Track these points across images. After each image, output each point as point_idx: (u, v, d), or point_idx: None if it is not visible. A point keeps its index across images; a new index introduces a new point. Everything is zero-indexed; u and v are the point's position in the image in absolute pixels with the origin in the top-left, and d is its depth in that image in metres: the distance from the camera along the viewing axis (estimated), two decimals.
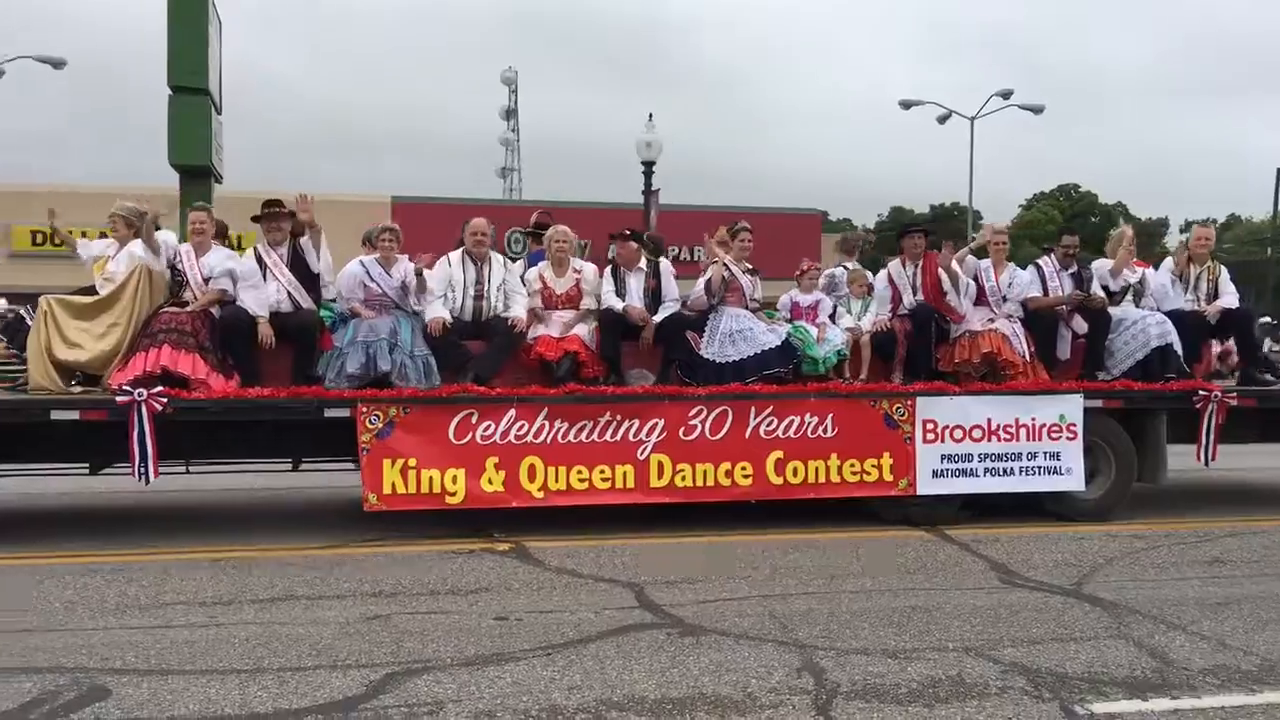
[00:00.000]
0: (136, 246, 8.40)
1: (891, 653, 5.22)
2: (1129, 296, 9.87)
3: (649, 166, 21.98)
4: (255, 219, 8.75)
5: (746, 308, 9.18)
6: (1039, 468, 8.83)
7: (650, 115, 22.23)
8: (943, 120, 35.16)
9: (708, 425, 8.35)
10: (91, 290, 8.38)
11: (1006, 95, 34.47)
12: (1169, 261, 10.23)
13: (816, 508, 8.62)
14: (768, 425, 8.42)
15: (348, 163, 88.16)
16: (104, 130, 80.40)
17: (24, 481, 8.88)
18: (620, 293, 8.98)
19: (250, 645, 5.26)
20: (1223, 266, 10.32)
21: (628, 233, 9.34)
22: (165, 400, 7.60)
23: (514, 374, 8.58)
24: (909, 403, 8.62)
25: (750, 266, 9.47)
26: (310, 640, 5.35)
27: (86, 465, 8.55)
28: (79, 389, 8.03)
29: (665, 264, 9.46)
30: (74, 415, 7.69)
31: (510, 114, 54.53)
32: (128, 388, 7.60)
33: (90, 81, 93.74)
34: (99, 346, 7.96)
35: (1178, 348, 9.35)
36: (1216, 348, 10.45)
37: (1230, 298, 10.00)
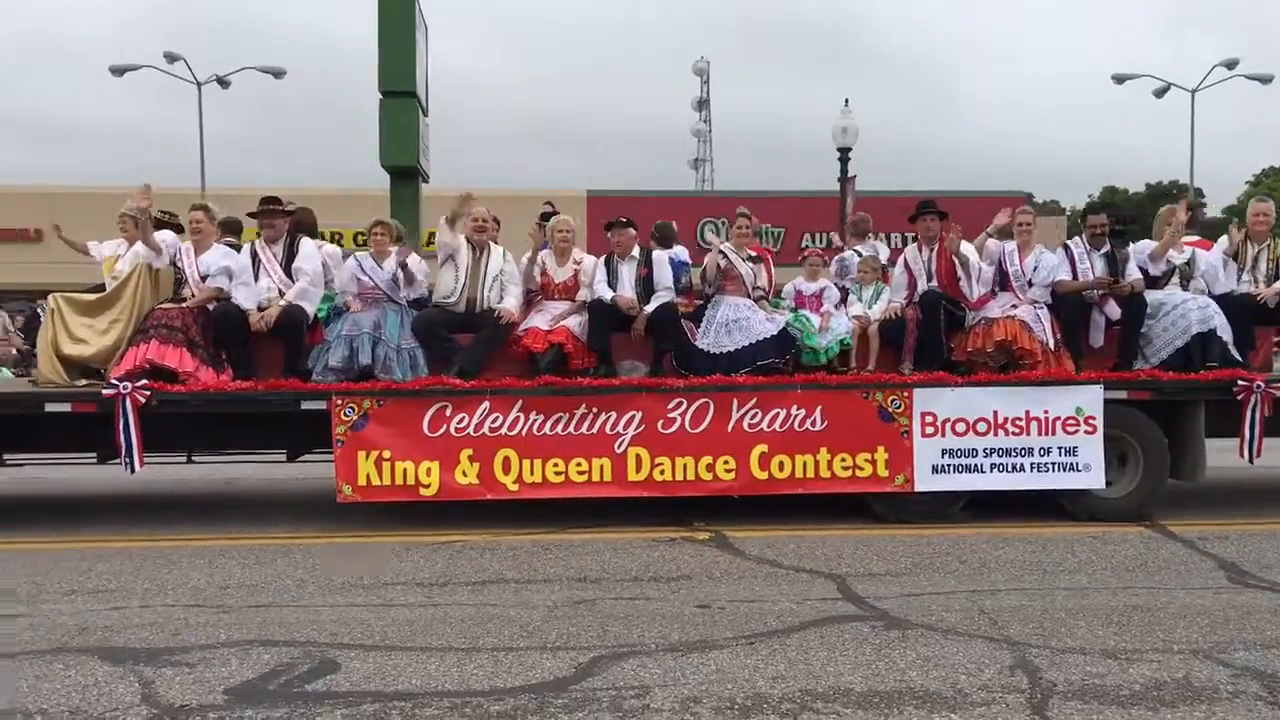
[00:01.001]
0: (142, 246, 8.76)
1: (1111, 653, 5.00)
2: (1175, 279, 9.11)
3: (845, 153, 21.64)
4: (251, 215, 9.07)
5: (750, 296, 8.98)
6: (1053, 464, 8.27)
7: (846, 101, 21.87)
8: (1160, 94, 33.20)
9: (688, 418, 8.18)
10: (102, 289, 8.80)
11: (1231, 65, 32.27)
12: (1223, 240, 9.36)
13: (1024, 503, 8.34)
14: (752, 418, 8.19)
15: (544, 158, 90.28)
16: (320, 134, 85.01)
17: (263, 468, 9.48)
18: (612, 283, 8.88)
19: (465, 625, 5.48)
20: None
21: (623, 220, 9.16)
22: (148, 393, 7.94)
23: (505, 367, 8.58)
24: (906, 394, 8.24)
25: (754, 254, 9.24)
26: (520, 622, 5.53)
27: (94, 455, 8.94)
28: (84, 383, 8.35)
29: (659, 253, 9.26)
30: (66, 407, 8.10)
31: (702, 105, 54.65)
32: (114, 381, 7.98)
33: (308, 89, 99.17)
34: (102, 341, 8.37)
35: (1224, 334, 8.59)
36: None
37: None
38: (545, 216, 9.87)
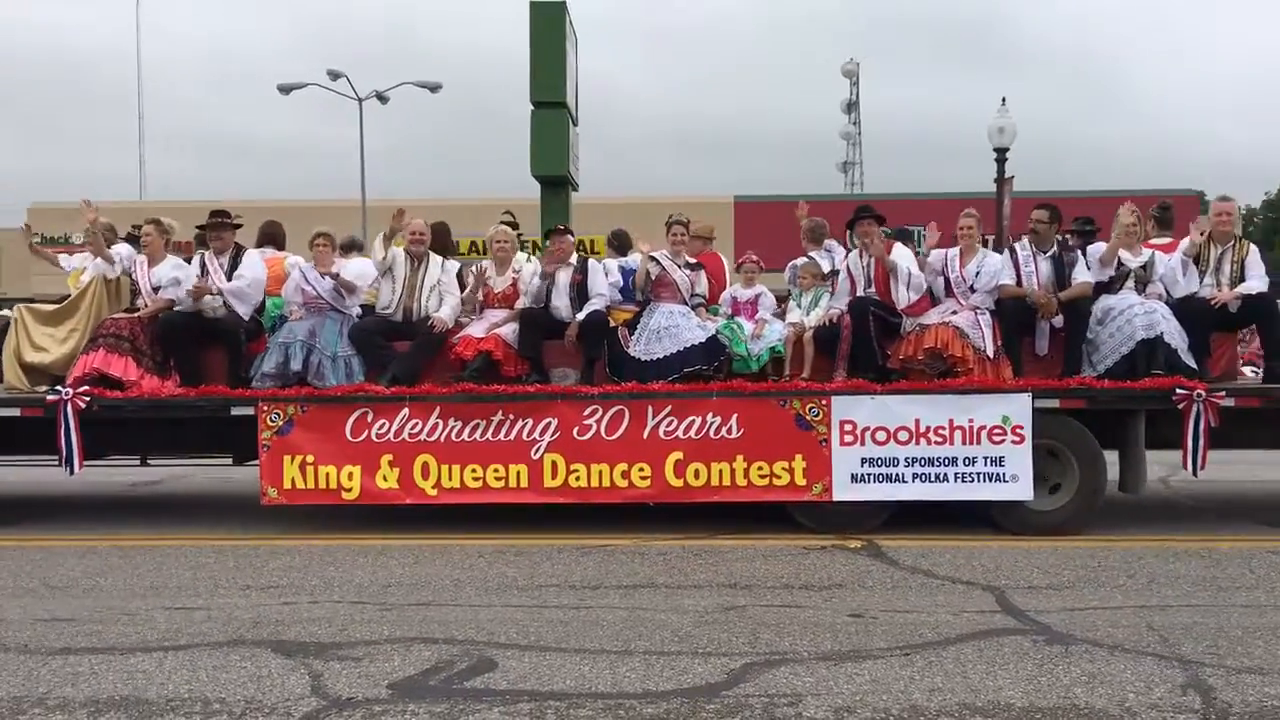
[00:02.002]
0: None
1: None
2: (1130, 283, 8.55)
3: (1001, 153, 21.06)
4: (200, 228, 9.35)
5: (687, 303, 8.86)
6: (979, 474, 7.92)
7: (1003, 99, 21.26)
8: None
9: (603, 425, 8.13)
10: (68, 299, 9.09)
11: None
12: (1185, 242, 8.66)
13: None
14: (667, 425, 8.09)
15: (690, 164, 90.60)
16: (473, 145, 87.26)
17: None
18: (549, 289, 8.92)
19: (618, 628, 5.54)
20: (1253, 246, 8.74)
21: (561, 228, 9.25)
22: (88, 399, 8.24)
23: (442, 374, 8.62)
24: (824, 402, 8.02)
25: (692, 261, 9.16)
26: (672, 627, 5.56)
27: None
28: (44, 389, 8.59)
29: (594, 261, 9.23)
30: (16, 412, 8.48)
31: (851, 107, 53.96)
32: (58, 388, 8.34)
33: (462, 102, 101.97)
34: (61, 350, 8.73)
35: (1173, 340, 8.09)
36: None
37: (1255, 282, 8.46)
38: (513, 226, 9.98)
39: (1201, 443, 7.85)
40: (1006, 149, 21.09)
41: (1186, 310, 8.37)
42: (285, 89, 30.80)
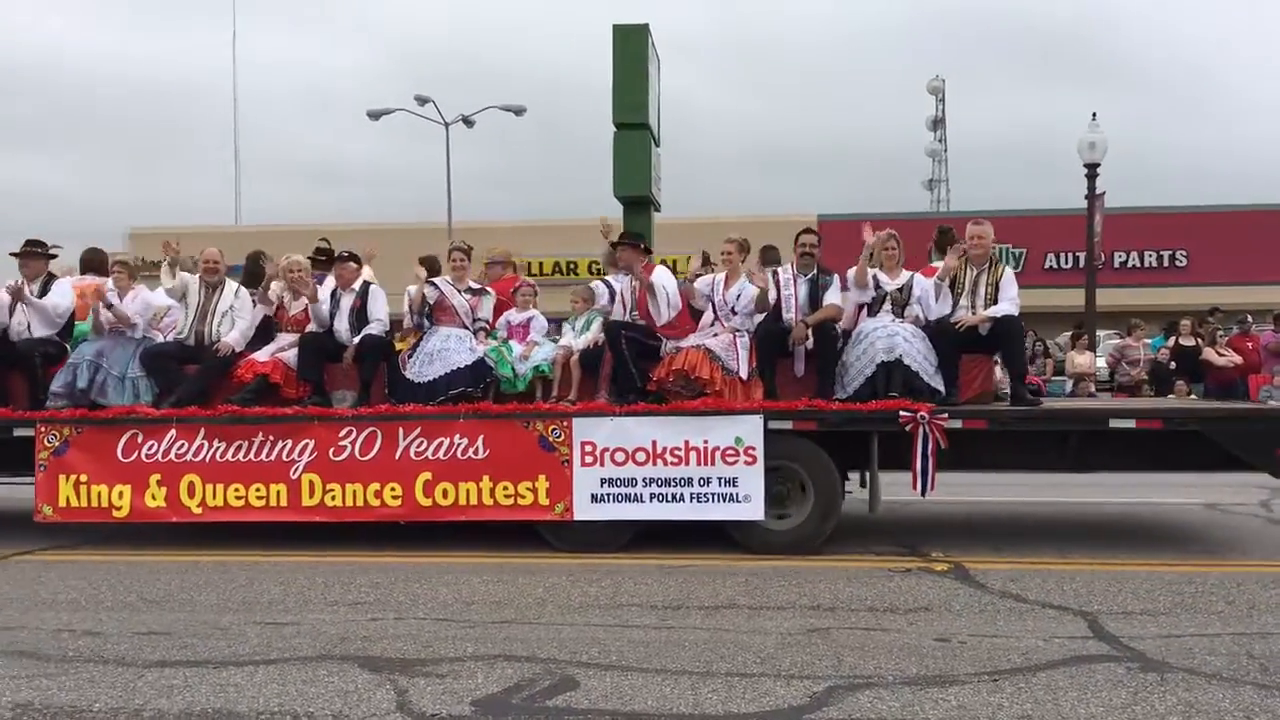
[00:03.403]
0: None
1: None
2: (887, 305, 8.69)
3: (1092, 169, 20.62)
4: (13, 255, 9.56)
5: (468, 328, 9.14)
6: (714, 494, 8.05)
7: (1094, 114, 20.83)
8: None
9: (357, 446, 8.36)
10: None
11: None
12: (943, 264, 8.79)
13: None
14: (418, 446, 8.31)
15: (772, 182, 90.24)
16: (556, 167, 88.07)
17: None
18: (333, 312, 9.17)
19: (699, 649, 5.51)
20: (1008, 269, 8.83)
21: (345, 254, 9.45)
22: None
23: (228, 396, 8.83)
24: (565, 424, 8.21)
25: (477, 286, 9.45)
26: (754, 649, 5.52)
27: None
28: None
29: (374, 287, 9.39)
30: None
31: (937, 124, 53.30)
32: None
33: (546, 124, 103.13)
34: None
35: (913, 362, 8.21)
36: None
37: (1005, 304, 8.51)
38: (320, 253, 9.99)
39: (930, 464, 7.93)
40: (1098, 164, 20.65)
41: (937, 333, 8.46)
42: (375, 114, 31.48)
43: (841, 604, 6.52)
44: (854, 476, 8.93)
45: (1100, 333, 21.62)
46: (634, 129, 15.23)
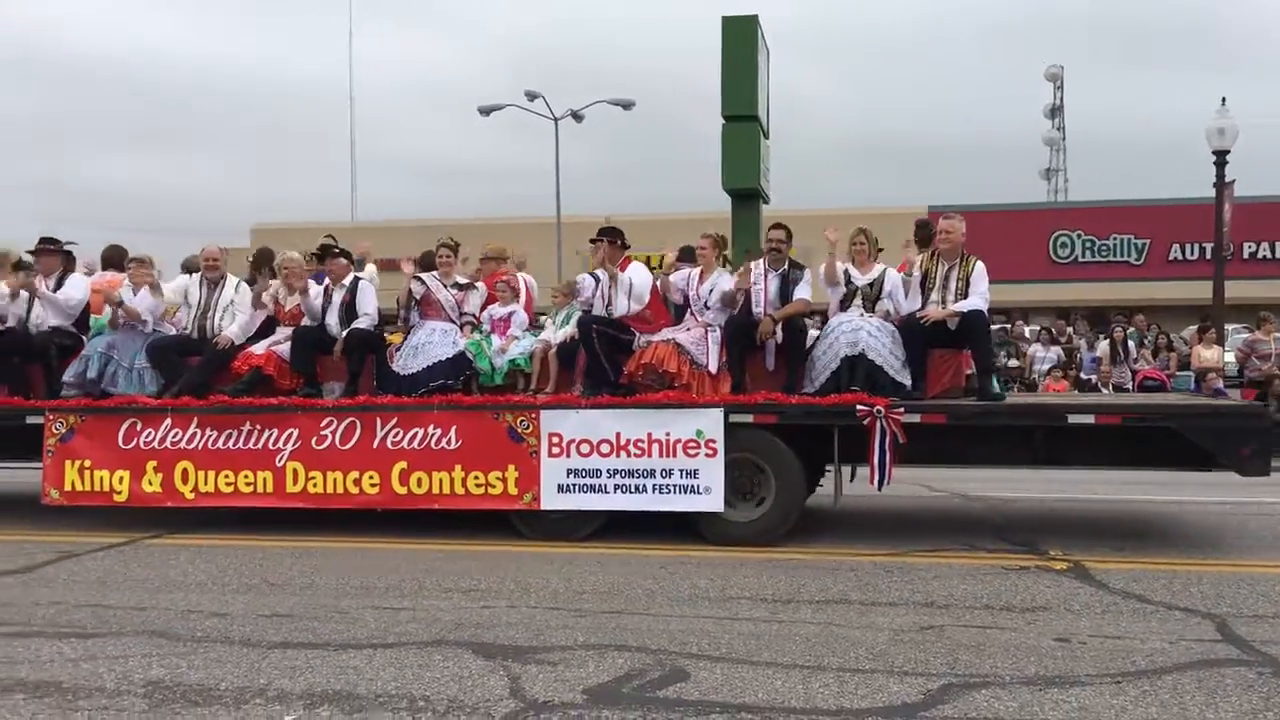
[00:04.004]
0: None
1: None
2: (857, 300, 8.74)
3: (1221, 156, 19.81)
4: (30, 253, 10.05)
5: (455, 322, 9.41)
6: (675, 486, 8.16)
7: (1223, 99, 19.99)
8: None
9: (338, 435, 8.65)
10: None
11: None
12: (916, 259, 8.92)
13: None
14: (394, 436, 8.57)
15: (881, 174, 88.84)
16: (664, 160, 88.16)
17: None
18: (325, 306, 9.52)
19: (810, 643, 5.47)
20: (979, 263, 8.69)
21: (336, 250, 9.85)
22: None
23: (227, 387, 9.21)
24: (533, 415, 8.41)
25: (464, 281, 9.69)
26: (866, 644, 5.45)
27: None
28: None
29: (363, 282, 9.64)
30: None
31: (1055, 111, 51.88)
32: None
33: (654, 117, 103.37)
34: None
35: (878, 357, 8.30)
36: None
37: (974, 299, 8.49)
38: (324, 249, 10.30)
39: (888, 458, 7.94)
40: (1227, 151, 19.82)
41: (905, 328, 8.49)
42: (485, 110, 31.90)
43: (956, 601, 6.39)
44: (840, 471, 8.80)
45: (1229, 326, 20.80)
46: (743, 121, 15.19)
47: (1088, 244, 31.97)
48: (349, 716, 4.44)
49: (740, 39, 14.94)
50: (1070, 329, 20.91)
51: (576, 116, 32.19)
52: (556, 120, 32.07)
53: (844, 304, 8.80)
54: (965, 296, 8.51)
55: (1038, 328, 21.27)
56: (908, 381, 8.34)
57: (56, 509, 9.15)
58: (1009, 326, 21.74)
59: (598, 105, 32.16)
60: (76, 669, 5.08)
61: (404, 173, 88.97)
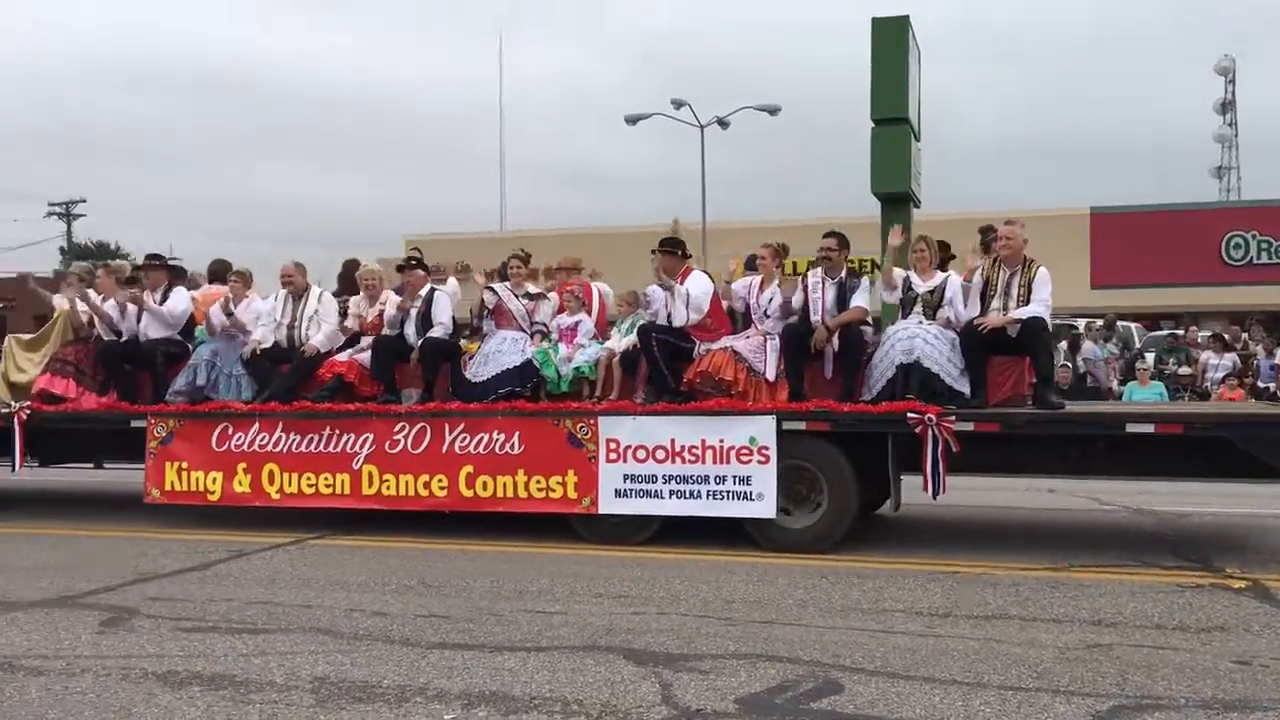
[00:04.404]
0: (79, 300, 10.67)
1: None
2: (918, 307, 8.64)
3: None
4: (136, 268, 11.04)
5: (526, 331, 9.67)
6: (728, 492, 8.23)
7: None
8: None
9: (409, 440, 8.97)
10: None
11: None
12: (978, 265, 8.77)
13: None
14: (461, 441, 8.84)
15: (1044, 176, 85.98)
16: (812, 165, 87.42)
17: None
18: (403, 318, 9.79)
19: (969, 659, 5.30)
20: (1042, 269, 8.49)
21: (414, 263, 10.12)
22: (29, 413, 10.03)
23: (314, 393, 9.64)
24: (592, 421, 8.59)
25: (534, 291, 10.05)
26: (1029, 662, 5.26)
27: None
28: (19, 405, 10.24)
29: (439, 293, 9.91)
30: None
31: (1227, 107, 49.36)
32: (11, 403, 10.19)
33: (800, 122, 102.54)
34: (35, 372, 10.46)
35: (934, 365, 8.18)
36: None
37: (1035, 306, 8.32)
38: (412, 259, 10.51)
39: (940, 466, 7.82)
40: None
41: (964, 335, 8.39)
42: (632, 120, 32.17)
43: (1125, 619, 6.11)
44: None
45: None
46: (893, 124, 14.89)
47: (1263, 245, 30.25)
48: (505, 718, 4.51)
49: (891, 40, 14.64)
50: (1245, 335, 19.82)
51: (722, 124, 32.18)
52: (702, 127, 32.12)
53: (905, 311, 8.75)
54: (1027, 303, 8.36)
55: (1208, 333, 20.24)
56: (966, 389, 8.26)
57: (225, 510, 9.60)
58: (1181, 333, 20.76)
59: (744, 111, 32.08)
60: (248, 664, 5.30)
61: (551, 182, 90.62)
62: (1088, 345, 17.99)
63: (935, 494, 7.99)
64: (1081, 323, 20.34)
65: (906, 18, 14.79)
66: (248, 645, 5.65)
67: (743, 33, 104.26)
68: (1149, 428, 7.80)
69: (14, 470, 10.43)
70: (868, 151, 15.32)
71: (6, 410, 10.26)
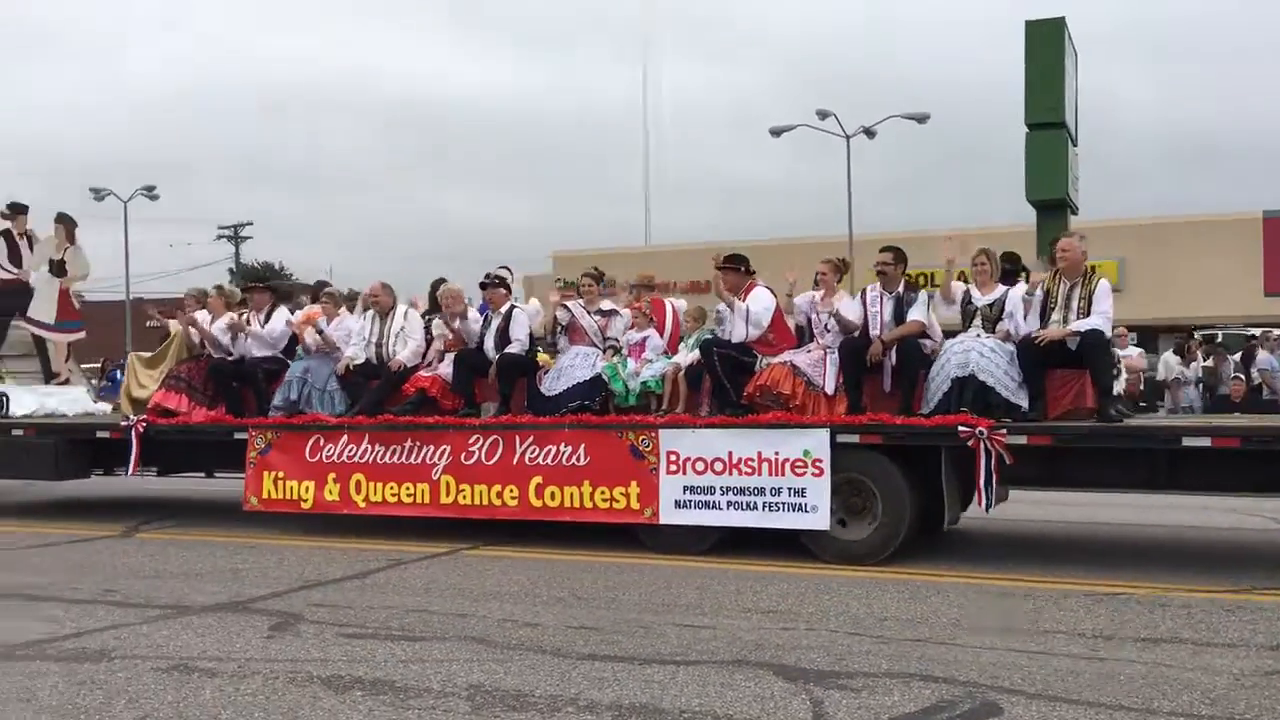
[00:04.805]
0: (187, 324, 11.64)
1: None
2: (977, 321, 8.71)
3: None
4: (244, 290, 11.83)
5: (598, 346, 9.92)
6: (784, 504, 8.36)
7: None
8: None
9: (483, 451, 9.30)
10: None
11: None
12: (1037, 277, 8.75)
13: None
14: (531, 453, 9.13)
15: (1215, 180, 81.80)
16: (960, 174, 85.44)
17: None
18: (483, 333, 10.24)
19: (1136, 684, 5.07)
20: (1103, 280, 8.46)
21: (496, 280, 10.40)
22: (144, 425, 10.75)
23: (399, 407, 10.09)
24: (653, 434, 8.79)
25: (609, 308, 10.22)
26: (1201, 688, 5.00)
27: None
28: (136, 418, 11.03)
29: (517, 310, 10.26)
30: (108, 434, 11.13)
31: None
32: (131, 416, 10.99)
33: (948, 130, 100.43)
34: (154, 388, 11.30)
35: (989, 377, 8.18)
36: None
37: (1094, 318, 8.21)
38: (495, 277, 10.66)
39: (994, 479, 7.83)
40: None
41: (1022, 348, 8.31)
42: (777, 131, 32.10)
43: None
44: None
45: None
46: (1049, 129, 14.53)
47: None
48: None
49: (1046, 43, 14.28)
50: None
51: (869, 133, 31.82)
52: (848, 138, 31.79)
53: (965, 324, 8.81)
54: (1088, 315, 8.23)
55: None
56: (1023, 403, 8.23)
57: (381, 520, 9.89)
58: None
59: (891, 120, 31.61)
60: (407, 670, 5.46)
61: (695, 196, 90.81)
62: (1263, 355, 17.07)
63: (988, 507, 8.04)
64: (1257, 331, 19.35)
65: (1062, 19, 14.42)
66: (406, 652, 5.82)
67: (889, 38, 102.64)
68: (1206, 441, 7.64)
69: (127, 474, 11.46)
70: (1022, 157, 14.95)
71: (126, 423, 11.05)
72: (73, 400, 12.90)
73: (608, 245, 35.96)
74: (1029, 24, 14.30)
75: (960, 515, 8.64)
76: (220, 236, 54.91)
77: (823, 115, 31.39)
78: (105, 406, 13.20)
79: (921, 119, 31.32)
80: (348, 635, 6.20)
